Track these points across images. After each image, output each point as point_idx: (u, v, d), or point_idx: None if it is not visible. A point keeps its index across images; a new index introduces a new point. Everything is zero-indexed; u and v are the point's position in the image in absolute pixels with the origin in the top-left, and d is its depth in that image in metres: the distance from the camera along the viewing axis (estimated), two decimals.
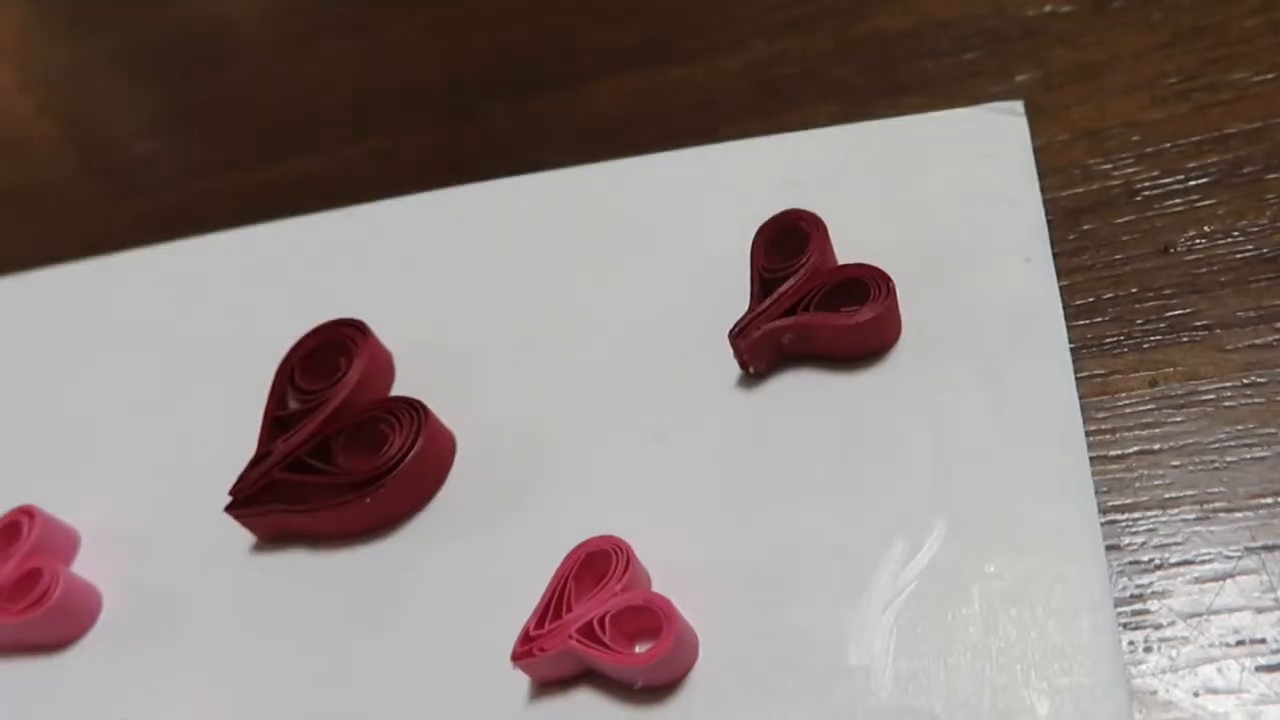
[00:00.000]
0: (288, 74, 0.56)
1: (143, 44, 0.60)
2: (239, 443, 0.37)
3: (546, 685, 0.30)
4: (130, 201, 0.51)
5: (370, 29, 0.56)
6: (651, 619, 0.29)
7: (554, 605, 0.29)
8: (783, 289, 0.33)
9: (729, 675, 0.29)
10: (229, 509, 0.35)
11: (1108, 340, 0.32)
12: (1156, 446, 0.30)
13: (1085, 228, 0.34)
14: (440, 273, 0.41)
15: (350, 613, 0.33)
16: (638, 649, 0.29)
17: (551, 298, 0.38)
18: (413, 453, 0.34)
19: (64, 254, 0.47)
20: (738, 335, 0.33)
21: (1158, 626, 0.27)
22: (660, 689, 0.29)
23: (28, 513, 0.37)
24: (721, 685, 0.29)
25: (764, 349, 0.33)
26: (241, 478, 0.35)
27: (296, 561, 0.35)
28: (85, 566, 0.37)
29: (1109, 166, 0.36)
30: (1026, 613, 0.27)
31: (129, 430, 0.40)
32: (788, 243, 0.34)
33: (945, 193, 0.36)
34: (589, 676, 0.30)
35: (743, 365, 0.33)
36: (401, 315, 0.39)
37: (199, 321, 0.42)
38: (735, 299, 0.34)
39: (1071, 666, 0.26)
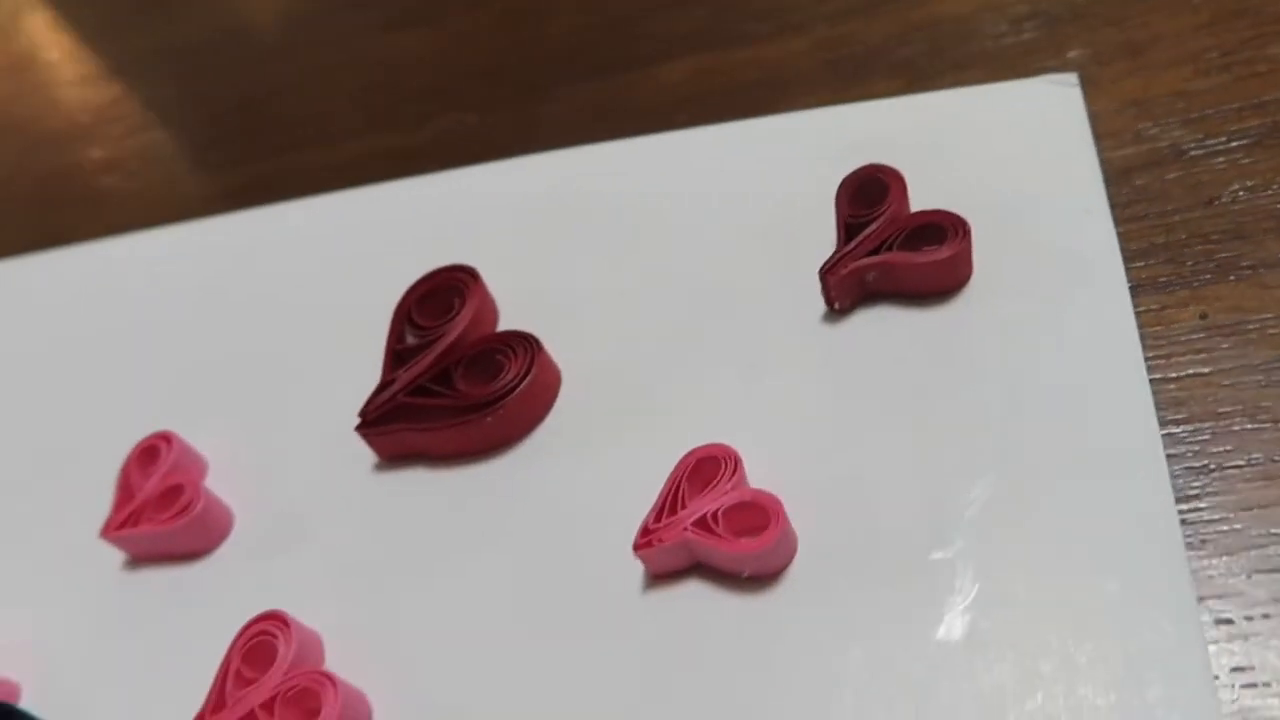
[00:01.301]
0: (368, 59, 0.59)
1: (234, 31, 0.64)
2: (354, 378, 0.40)
3: (660, 578, 0.33)
4: (236, 170, 0.54)
5: (441, 18, 0.59)
6: (759, 516, 0.32)
7: (669, 503, 0.33)
8: (866, 232, 0.37)
9: (823, 568, 0.32)
10: (359, 428, 0.38)
11: (1161, 280, 0.35)
12: (1207, 370, 0.33)
13: (1138, 183, 0.38)
14: (534, 231, 0.44)
15: (471, 522, 0.37)
16: None
17: (645, 250, 0.42)
18: (528, 378, 0.37)
19: (186, 215, 0.51)
20: (827, 272, 0.36)
21: (1213, 520, 0.30)
22: (764, 579, 0.32)
23: (165, 438, 0.41)
24: (817, 577, 0.32)
25: (849, 286, 0.37)
26: (369, 401, 0.39)
27: (416, 478, 0.38)
28: (216, 488, 0.40)
29: (1157, 130, 0.39)
30: (1095, 513, 0.30)
31: (255, 369, 0.44)
32: (869, 193, 0.38)
33: (1009, 154, 0.39)
34: (698, 570, 0.33)
35: (829, 301, 0.37)
36: (501, 270, 0.42)
37: (317, 273, 0.46)
38: (818, 247, 0.38)
39: (1138, 557, 0.29)
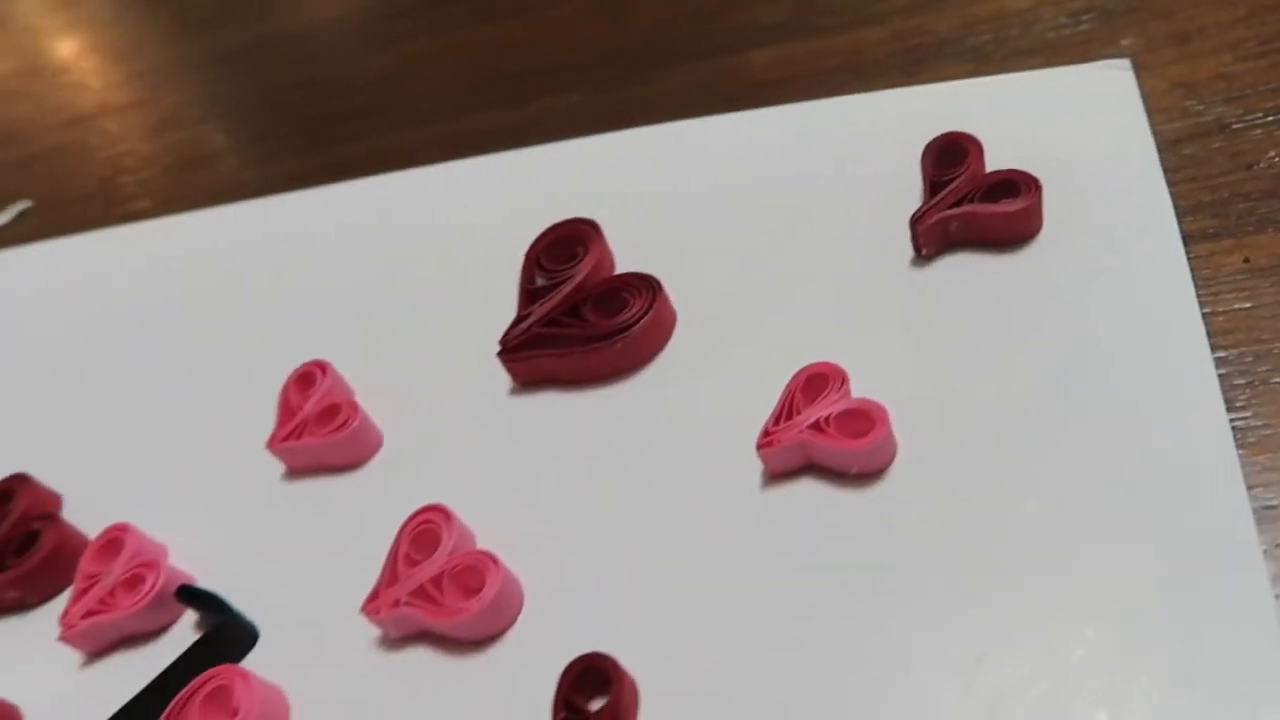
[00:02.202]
0: (466, 48, 0.65)
1: (343, 20, 0.70)
2: (486, 317, 0.46)
3: (777, 477, 0.38)
4: (354, 144, 0.60)
5: (530, 10, 0.65)
6: (865, 421, 0.37)
7: (785, 410, 0.38)
8: (950, 188, 0.42)
9: (922, 468, 0.37)
10: (501, 354, 0.43)
11: (1209, 230, 0.41)
12: (1250, 305, 0.39)
13: (1186, 152, 0.43)
14: (643, 193, 0.49)
15: (603, 435, 0.42)
16: None
17: (748, 208, 0.47)
18: (651, 311, 0.43)
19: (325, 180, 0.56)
20: (917, 221, 0.42)
21: (1257, 426, 0.36)
22: (868, 476, 0.37)
23: (320, 366, 0.46)
24: (915, 476, 0.37)
25: (935, 235, 0.42)
26: (508, 331, 0.44)
27: (549, 399, 0.44)
28: (366, 411, 0.45)
29: (1202, 107, 0.45)
30: (1153, 418, 0.36)
31: (397, 310, 0.49)
32: (950, 156, 0.43)
33: (1071, 128, 0.45)
34: (811, 469, 0.38)
35: (917, 249, 0.42)
36: (615, 226, 0.47)
37: (448, 229, 0.52)
38: (902, 206, 0.43)
39: (1194, 456, 0.34)
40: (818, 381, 0.39)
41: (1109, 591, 0.32)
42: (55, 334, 0.56)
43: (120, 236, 0.58)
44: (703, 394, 0.42)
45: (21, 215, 0.67)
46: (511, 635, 0.38)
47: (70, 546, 0.45)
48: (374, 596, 0.38)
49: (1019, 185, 0.41)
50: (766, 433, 0.38)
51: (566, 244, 0.46)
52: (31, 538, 0.45)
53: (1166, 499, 0.34)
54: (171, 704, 0.37)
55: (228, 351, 0.50)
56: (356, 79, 0.65)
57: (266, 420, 0.46)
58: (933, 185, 0.43)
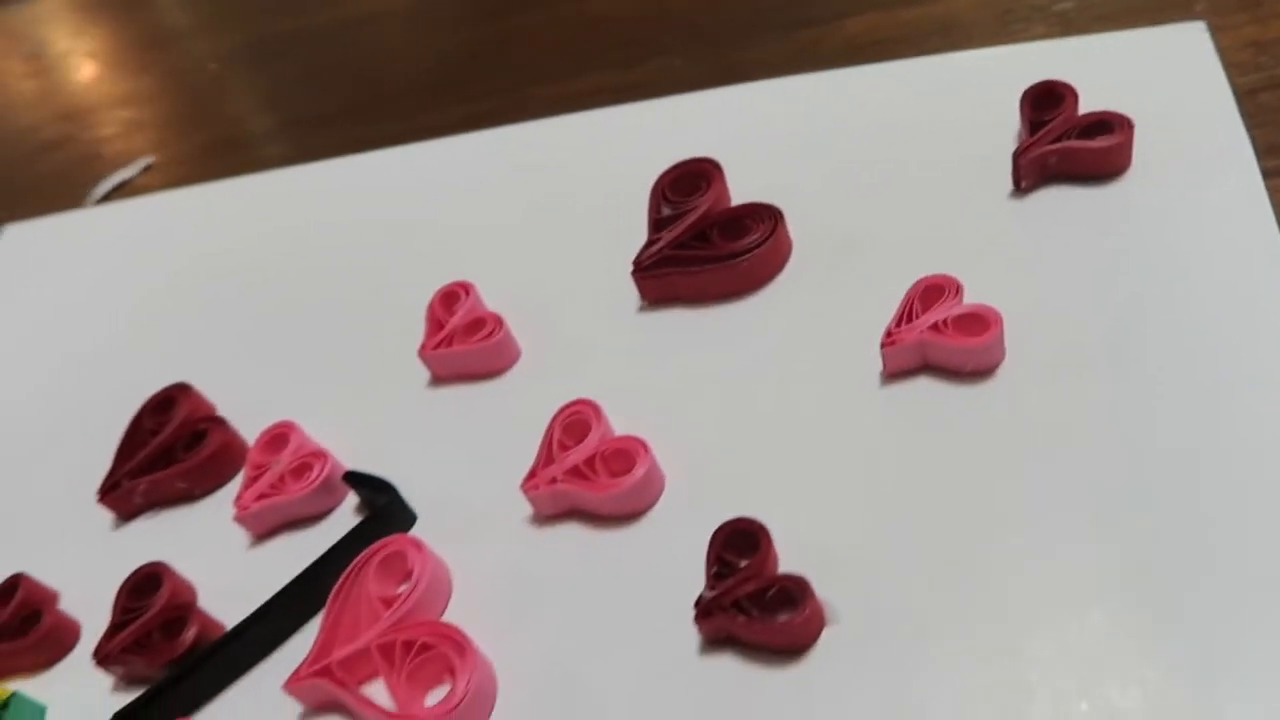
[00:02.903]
0: (570, 18, 0.70)
1: None
2: (613, 245, 0.50)
3: (895, 376, 0.43)
4: (478, 102, 0.65)
5: None
6: (980, 323, 0.41)
7: (906, 314, 0.42)
8: (1048, 126, 0.47)
9: (1034, 364, 0.41)
10: (634, 273, 0.48)
11: None
12: None
13: (1260, 100, 0.48)
14: (756, 143, 0.54)
15: (729, 344, 0.46)
16: None
17: (853, 154, 0.51)
18: (773, 236, 0.47)
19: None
20: (1020, 155, 0.46)
21: None
22: (982, 373, 0.42)
23: (464, 286, 0.50)
24: (1029, 371, 0.41)
25: (1035, 168, 0.46)
26: (641, 253, 0.48)
27: (677, 315, 0.48)
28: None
29: (1272, 62, 0.49)
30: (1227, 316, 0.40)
31: (533, 238, 0.54)
32: (1046, 100, 0.48)
33: (1154, 80, 0.49)
34: (927, 369, 0.43)
35: (1016, 182, 0.47)
36: (733, 170, 0.52)
37: (575, 172, 0.56)
38: (997, 149, 0.47)
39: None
40: (934, 291, 0.43)
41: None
42: (222, 265, 0.60)
43: (270, 181, 0.63)
44: (822, 308, 0.46)
45: (145, 169, 0.72)
46: (654, 513, 0.42)
47: (233, 445, 0.50)
48: (532, 475, 0.42)
49: (1112, 124, 0.46)
50: (889, 333, 0.42)
51: (690, 179, 0.50)
52: (198, 436, 0.50)
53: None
54: (349, 567, 0.42)
55: (376, 280, 0.55)
56: (465, 47, 0.70)
57: (413, 336, 0.50)
58: (1032, 125, 0.47)
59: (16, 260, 0.68)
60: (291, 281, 0.57)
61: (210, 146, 0.73)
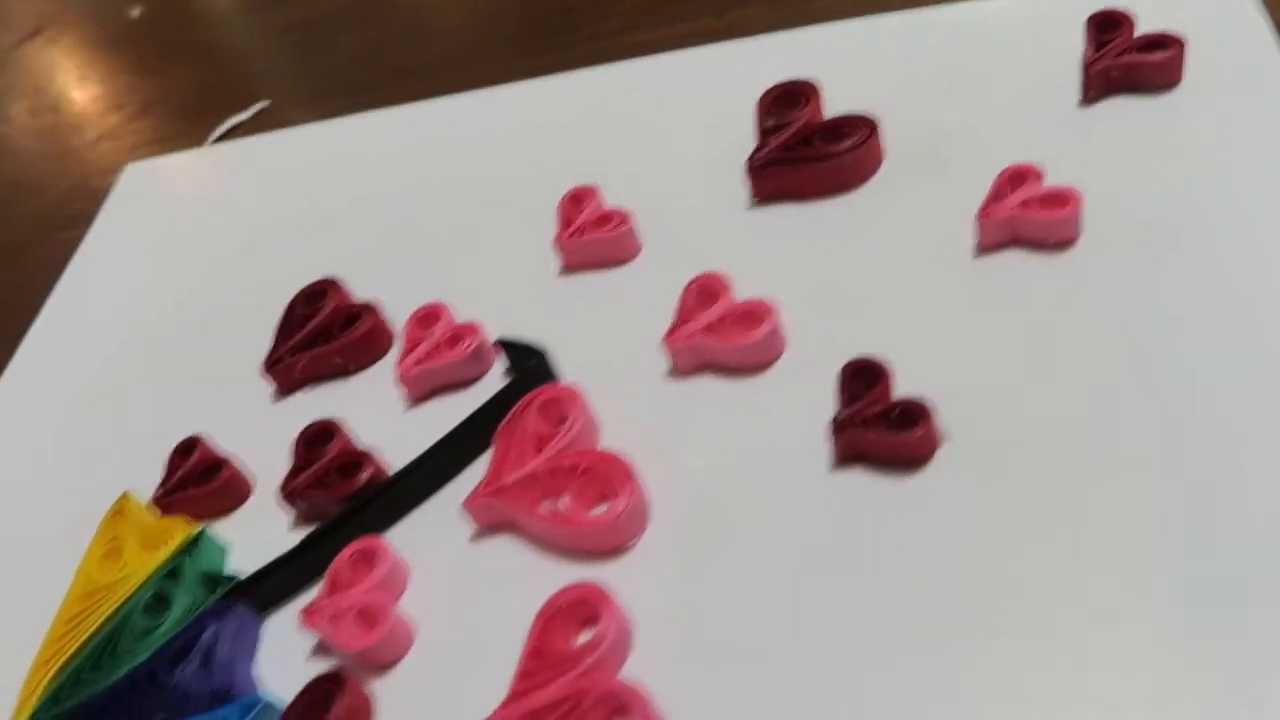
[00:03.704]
0: None
1: None
2: (722, 154, 0.56)
3: (986, 249, 0.49)
4: (567, 52, 0.71)
5: None
6: (1062, 201, 0.48)
7: (996, 194, 0.49)
8: (1110, 45, 0.53)
9: (1106, 240, 0.48)
10: (749, 171, 0.54)
11: None
12: None
13: None
14: (836, 69, 0.60)
15: (833, 229, 0.52)
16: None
17: (928, 83, 0.58)
18: (871, 138, 0.54)
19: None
20: (1089, 65, 0.53)
21: None
22: (1062, 244, 0.48)
23: (589, 190, 0.57)
24: (1102, 245, 0.48)
25: (1099, 80, 0.53)
26: (753, 155, 0.55)
27: (785, 210, 0.54)
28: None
29: None
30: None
31: (650, 146, 0.60)
32: (1108, 24, 0.54)
33: (1200, 7, 0.56)
34: (1015, 243, 0.49)
35: (1084, 92, 0.53)
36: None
37: (688, 95, 0.63)
38: (1060, 70, 0.54)
39: None
40: (1019, 176, 0.49)
41: None
42: (361, 189, 0.66)
43: (408, 114, 0.70)
44: (916, 198, 0.52)
45: (260, 112, 0.78)
46: (779, 365, 0.48)
47: (382, 328, 0.56)
48: (672, 331, 0.49)
49: (1166, 42, 0.52)
50: (983, 209, 0.48)
51: (791, 96, 0.57)
52: (351, 319, 0.55)
53: None
54: (513, 410, 0.47)
55: (508, 191, 0.61)
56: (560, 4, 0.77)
57: (545, 233, 0.56)
58: (1096, 44, 0.54)
59: (155, 190, 0.75)
60: (430, 196, 0.63)
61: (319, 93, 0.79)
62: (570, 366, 0.50)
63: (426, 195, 0.64)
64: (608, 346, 0.51)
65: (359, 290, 0.58)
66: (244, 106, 0.80)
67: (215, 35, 0.99)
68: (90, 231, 0.73)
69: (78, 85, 0.95)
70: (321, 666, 0.42)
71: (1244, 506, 0.38)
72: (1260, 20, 0.55)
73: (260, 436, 0.53)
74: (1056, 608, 0.37)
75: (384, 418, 0.52)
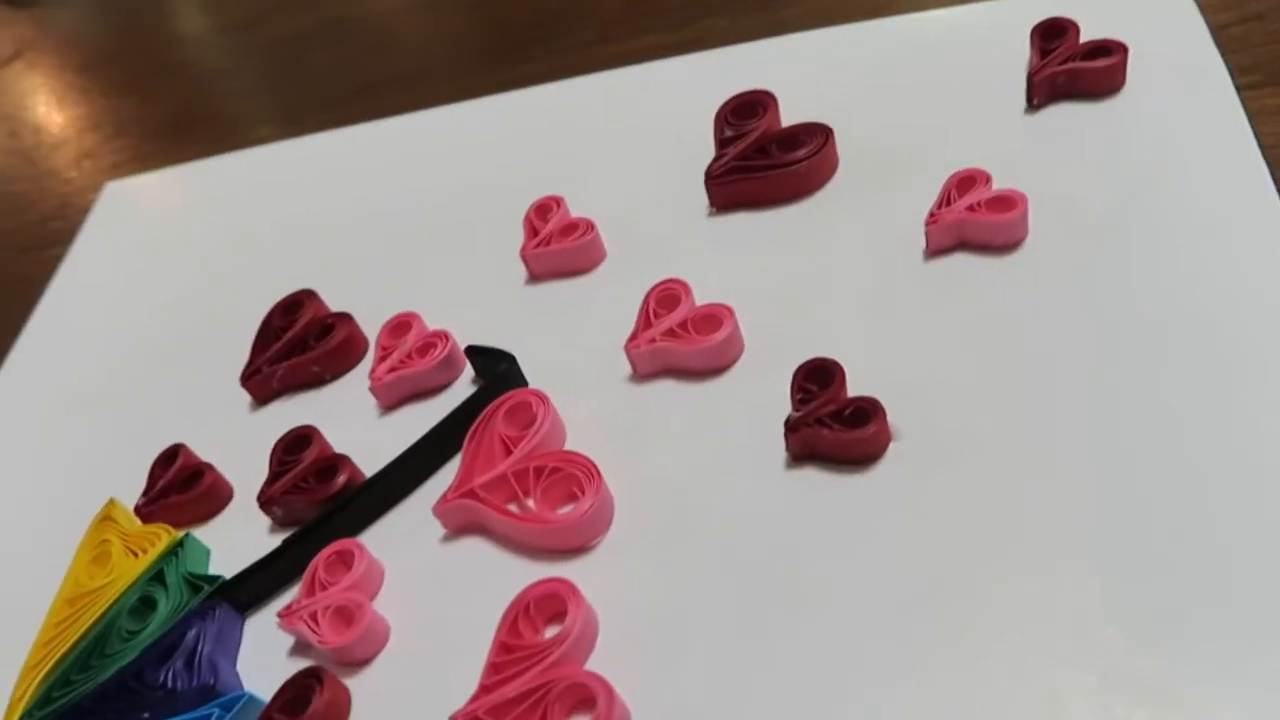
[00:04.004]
0: None
1: None
2: (683, 165, 0.58)
3: (936, 252, 0.51)
4: (540, 61, 0.73)
5: None
6: (1008, 204, 0.50)
7: (945, 199, 0.51)
8: (1055, 53, 0.55)
9: (1051, 240, 0.50)
10: (707, 181, 0.56)
11: (1255, 82, 0.54)
12: None
13: (1231, 33, 0.57)
14: (795, 80, 0.62)
15: (788, 232, 0.54)
16: None
17: (884, 90, 0.60)
18: (826, 146, 0.55)
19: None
20: (1035, 73, 0.55)
21: None
22: (1009, 247, 0.50)
23: (555, 200, 0.59)
24: (1048, 246, 0.50)
25: (1045, 86, 0.55)
26: (711, 165, 0.57)
27: (742, 218, 0.56)
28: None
29: (1242, 2, 0.58)
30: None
31: (608, 163, 0.62)
32: (1052, 33, 0.56)
33: (1141, 14, 0.58)
34: (963, 246, 0.51)
35: (1029, 99, 0.55)
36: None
37: (642, 108, 0.65)
38: (1006, 79, 0.56)
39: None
40: (967, 181, 0.51)
41: None
42: (332, 205, 0.68)
43: (378, 129, 0.72)
44: (869, 204, 0.54)
45: (234, 129, 0.80)
46: (737, 367, 0.50)
47: (357, 336, 0.57)
48: (634, 337, 0.50)
49: (1109, 48, 0.54)
50: (932, 214, 0.50)
51: (748, 106, 0.59)
52: (326, 329, 0.57)
53: None
54: (481, 415, 0.49)
55: (477, 202, 0.63)
56: (529, 16, 0.79)
57: (511, 243, 0.58)
58: (1041, 52, 0.56)
59: (134, 208, 0.76)
60: (401, 208, 0.65)
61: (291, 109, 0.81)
62: (537, 372, 0.52)
63: (398, 208, 0.66)
64: (573, 352, 0.53)
65: (333, 302, 0.60)
66: (219, 125, 0.81)
67: (190, 55, 1.01)
68: (72, 249, 0.75)
69: (57, 107, 0.97)
70: (301, 664, 0.44)
71: (1186, 500, 0.40)
72: (1200, 25, 0.57)
73: (239, 445, 0.55)
74: (1001, 594, 0.39)
75: (358, 424, 0.54)
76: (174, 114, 0.89)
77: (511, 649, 0.41)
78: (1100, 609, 0.38)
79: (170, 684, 0.43)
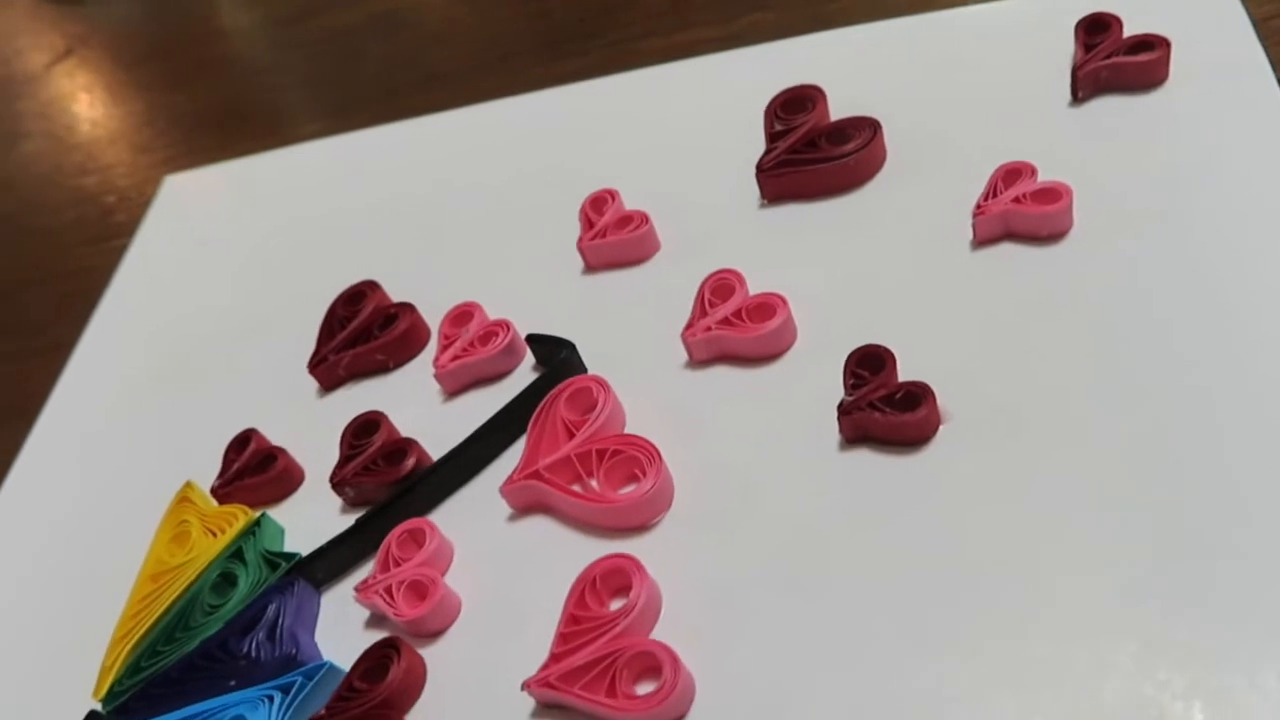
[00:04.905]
0: None
1: None
2: (733, 158, 0.60)
3: (983, 242, 0.53)
4: (593, 54, 0.75)
5: None
6: (1054, 196, 0.51)
7: (991, 191, 0.52)
8: (1099, 48, 0.57)
9: (1096, 231, 0.51)
10: (759, 174, 0.58)
11: None
12: None
13: (1272, 25, 0.58)
14: (844, 74, 0.63)
15: (838, 223, 0.56)
16: None
17: (937, 75, 0.62)
18: (875, 139, 0.57)
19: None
20: (1079, 67, 0.56)
21: None
22: (1055, 237, 0.52)
23: (610, 193, 0.60)
24: (1093, 236, 0.51)
25: (1089, 80, 0.56)
26: (762, 158, 0.58)
27: (792, 209, 0.58)
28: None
29: None
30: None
31: (662, 156, 0.64)
32: (1096, 26, 0.58)
33: (1184, 8, 0.59)
34: (1009, 237, 0.52)
35: (1074, 93, 0.57)
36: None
37: (700, 101, 0.66)
38: (1051, 73, 0.57)
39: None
40: (1013, 174, 0.53)
41: None
42: (393, 198, 0.70)
43: (432, 123, 0.74)
44: (917, 196, 0.56)
45: (288, 124, 0.82)
46: (790, 354, 0.52)
47: (420, 325, 0.59)
48: (690, 325, 0.52)
49: (1152, 43, 0.56)
50: (979, 206, 0.52)
51: (798, 100, 0.60)
52: (390, 319, 0.59)
53: None
54: (544, 400, 0.51)
55: (533, 195, 0.65)
56: (574, 12, 0.80)
57: (568, 236, 0.60)
58: (1085, 47, 0.57)
59: (194, 201, 0.79)
60: (458, 202, 0.67)
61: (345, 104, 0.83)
62: (596, 359, 0.54)
63: (454, 202, 0.68)
64: (630, 340, 0.55)
65: (394, 293, 0.62)
66: (270, 119, 0.84)
67: (239, 50, 1.03)
68: (134, 241, 0.77)
69: (110, 103, 0.99)
70: (376, 636, 0.46)
71: (1226, 480, 0.41)
72: (1242, 18, 0.58)
73: (308, 430, 0.57)
74: (1048, 568, 0.41)
75: (423, 410, 0.56)
76: (225, 108, 0.91)
77: (580, 620, 0.43)
78: (1144, 582, 0.39)
79: (254, 654, 0.45)
